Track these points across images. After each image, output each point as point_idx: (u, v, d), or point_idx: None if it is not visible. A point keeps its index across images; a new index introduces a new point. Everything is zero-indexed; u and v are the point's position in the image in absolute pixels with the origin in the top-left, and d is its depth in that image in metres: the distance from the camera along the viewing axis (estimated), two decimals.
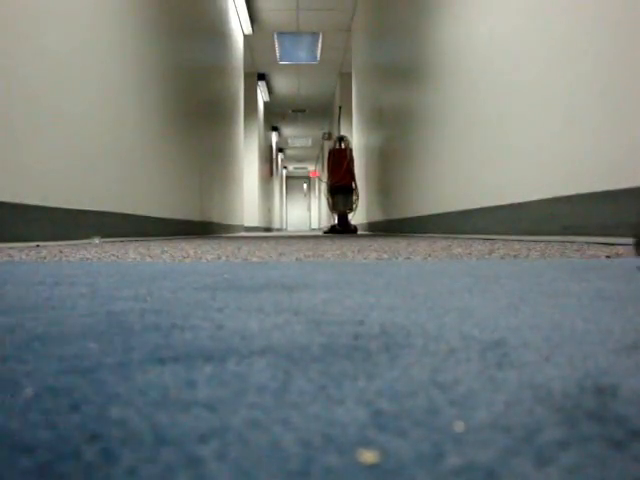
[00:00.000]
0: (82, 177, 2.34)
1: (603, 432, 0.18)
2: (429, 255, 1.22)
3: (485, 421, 0.19)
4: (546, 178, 2.09)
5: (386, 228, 5.61)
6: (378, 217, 6.20)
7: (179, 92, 4.18)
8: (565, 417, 0.19)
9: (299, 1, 7.40)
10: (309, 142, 16.71)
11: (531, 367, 0.26)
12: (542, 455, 0.16)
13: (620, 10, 1.61)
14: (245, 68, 9.22)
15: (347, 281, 0.66)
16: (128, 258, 1.18)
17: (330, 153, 6.44)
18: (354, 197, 6.37)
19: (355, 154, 7.31)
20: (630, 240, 1.51)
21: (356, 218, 7.88)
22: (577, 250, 1.34)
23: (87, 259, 1.14)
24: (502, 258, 1.10)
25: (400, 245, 1.84)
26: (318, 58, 9.51)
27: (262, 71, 10.27)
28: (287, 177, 23.52)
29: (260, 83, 10.46)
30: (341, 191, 6.30)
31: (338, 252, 1.39)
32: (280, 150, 17.81)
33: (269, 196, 13.80)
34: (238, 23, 7.80)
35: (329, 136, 10.34)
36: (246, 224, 9.60)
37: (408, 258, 1.12)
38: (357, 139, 8.41)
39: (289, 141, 16.80)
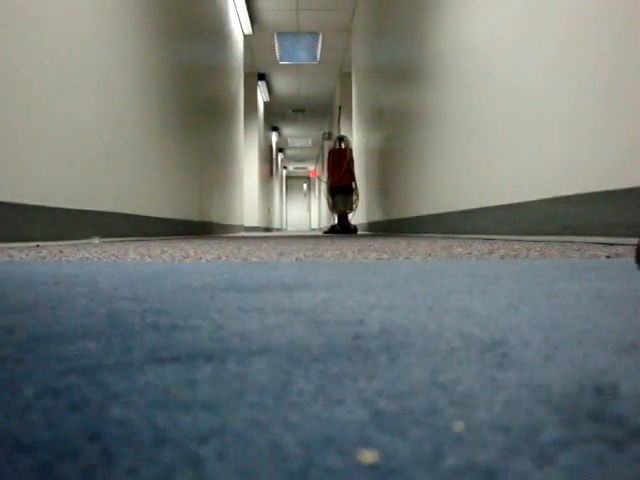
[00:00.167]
0: (82, 177, 2.34)
1: (603, 432, 0.18)
2: (429, 255, 1.22)
3: (485, 421, 0.19)
4: (546, 178, 2.09)
5: (386, 228, 5.61)
6: (378, 217, 6.20)
7: (179, 92, 4.18)
8: (565, 417, 0.19)
9: (299, 1, 7.40)
10: (309, 142, 16.71)
11: (531, 367, 0.26)
12: (542, 455, 0.16)
13: (621, 13, 1.61)
14: (245, 68, 9.22)
15: (347, 281, 0.66)
16: (128, 258, 1.18)
17: (330, 153, 6.43)
18: (354, 197, 6.37)
19: (355, 154, 7.31)
20: (630, 240, 1.51)
21: (356, 218, 7.87)
22: (577, 250, 1.34)
23: (87, 259, 1.14)
24: (502, 258, 1.10)
25: (400, 245, 1.84)
26: (318, 58, 9.51)
27: (262, 71, 10.27)
28: (287, 177, 23.52)
29: (260, 83, 10.47)
30: (341, 191, 6.30)
31: (338, 252, 1.39)
32: (280, 150, 17.81)
33: (269, 196, 13.80)
34: (238, 23, 7.80)
35: (329, 136, 10.35)
36: (246, 224, 9.60)
37: (408, 258, 1.12)
38: (357, 139, 8.41)
39: (289, 141, 16.79)
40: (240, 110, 8.38)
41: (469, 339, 0.32)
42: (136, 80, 3.11)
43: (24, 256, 1.24)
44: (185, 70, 4.42)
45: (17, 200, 1.83)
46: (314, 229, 20.15)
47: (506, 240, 2.22)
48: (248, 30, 8.18)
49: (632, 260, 0.96)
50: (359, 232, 6.90)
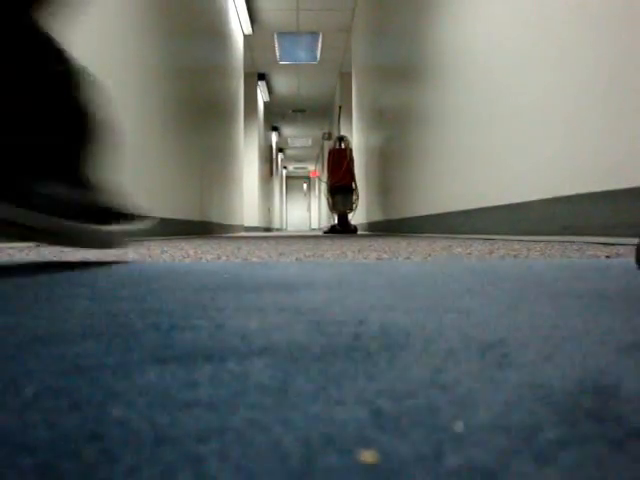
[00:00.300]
0: None
1: (603, 432, 0.18)
2: (429, 255, 1.22)
3: (485, 421, 0.19)
4: (546, 178, 2.09)
5: (386, 228, 5.61)
6: (378, 217, 6.20)
7: (179, 92, 4.18)
8: (565, 417, 0.19)
9: (299, 1, 7.41)
10: (309, 142, 16.71)
11: (531, 367, 0.26)
12: (542, 455, 0.16)
13: (621, 15, 1.61)
14: (245, 68, 9.23)
15: (347, 281, 0.66)
16: (128, 258, 1.18)
17: (330, 153, 6.44)
18: (354, 197, 6.38)
19: (355, 154, 7.31)
20: (630, 240, 1.51)
21: (356, 218, 7.88)
22: (577, 250, 1.34)
23: (87, 259, 1.14)
24: (502, 258, 1.10)
25: (400, 245, 1.84)
26: (318, 58, 9.51)
27: (262, 71, 10.27)
28: (287, 177, 23.53)
29: (260, 83, 10.47)
30: (341, 191, 6.30)
31: (338, 252, 1.39)
32: (280, 150, 17.81)
33: (269, 196, 13.80)
34: (238, 23, 7.80)
35: (329, 136, 10.35)
36: (246, 224, 9.60)
37: (408, 258, 1.12)
38: (357, 139, 8.41)
39: (289, 141, 16.80)
40: (240, 110, 8.38)
41: (469, 339, 0.32)
42: (136, 80, 3.11)
43: (24, 256, 1.24)
44: (185, 70, 4.42)
45: None
46: (314, 229, 20.15)
47: (506, 240, 2.22)
48: (248, 30, 8.18)
49: (632, 260, 0.96)
50: (359, 232, 6.91)
